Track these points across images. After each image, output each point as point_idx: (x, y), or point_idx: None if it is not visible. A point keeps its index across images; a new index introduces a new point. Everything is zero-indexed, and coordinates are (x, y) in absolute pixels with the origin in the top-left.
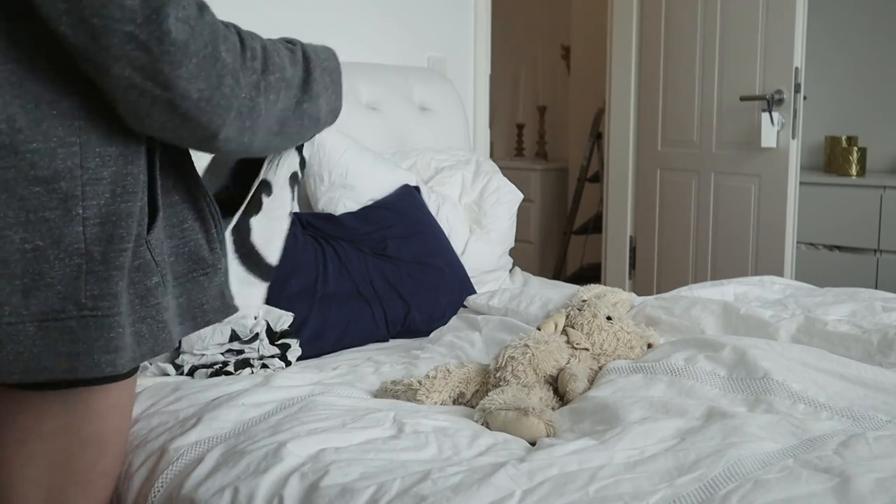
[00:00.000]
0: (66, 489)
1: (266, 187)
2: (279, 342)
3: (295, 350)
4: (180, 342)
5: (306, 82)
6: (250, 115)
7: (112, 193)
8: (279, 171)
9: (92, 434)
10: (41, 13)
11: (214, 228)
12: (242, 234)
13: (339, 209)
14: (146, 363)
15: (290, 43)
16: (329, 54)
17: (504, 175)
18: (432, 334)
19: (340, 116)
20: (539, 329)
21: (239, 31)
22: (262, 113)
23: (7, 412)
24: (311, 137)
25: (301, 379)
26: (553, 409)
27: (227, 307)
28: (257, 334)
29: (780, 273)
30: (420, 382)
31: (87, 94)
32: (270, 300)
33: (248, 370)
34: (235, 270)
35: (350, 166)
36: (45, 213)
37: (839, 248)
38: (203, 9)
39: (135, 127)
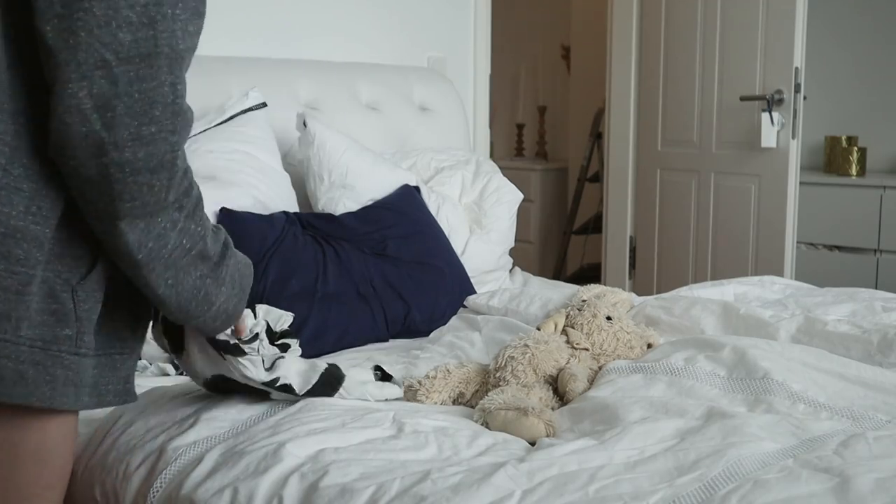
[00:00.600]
0: (11, 502)
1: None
2: (279, 342)
3: (295, 350)
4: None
5: (218, 264)
6: (158, 228)
7: (26, 209)
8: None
9: (32, 448)
10: (34, 5)
11: (144, 311)
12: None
13: (339, 209)
14: (146, 362)
15: (215, 227)
16: (248, 268)
17: (504, 175)
18: (432, 334)
19: (341, 116)
20: (539, 329)
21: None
22: (169, 240)
23: None
24: (195, 316)
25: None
26: (553, 409)
27: (128, 393)
28: (257, 334)
29: (780, 273)
30: (420, 383)
31: (37, 104)
32: (271, 300)
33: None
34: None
35: (350, 166)
36: None
37: (839, 248)
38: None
39: (51, 151)
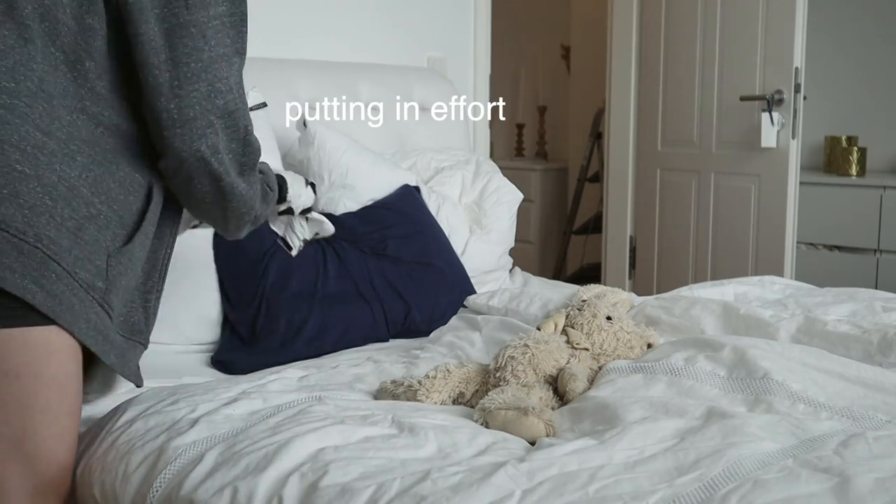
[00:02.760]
0: (36, 428)
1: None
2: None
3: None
4: None
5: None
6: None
7: (79, 175)
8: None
9: (52, 375)
10: (150, 82)
11: (153, 302)
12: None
13: (339, 209)
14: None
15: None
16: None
17: (504, 175)
18: (432, 334)
19: (341, 116)
20: (539, 329)
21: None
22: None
23: None
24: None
25: (297, 384)
26: (553, 408)
27: (139, 377)
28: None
29: (780, 273)
30: (420, 382)
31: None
32: (271, 300)
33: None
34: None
35: (350, 166)
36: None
37: (839, 248)
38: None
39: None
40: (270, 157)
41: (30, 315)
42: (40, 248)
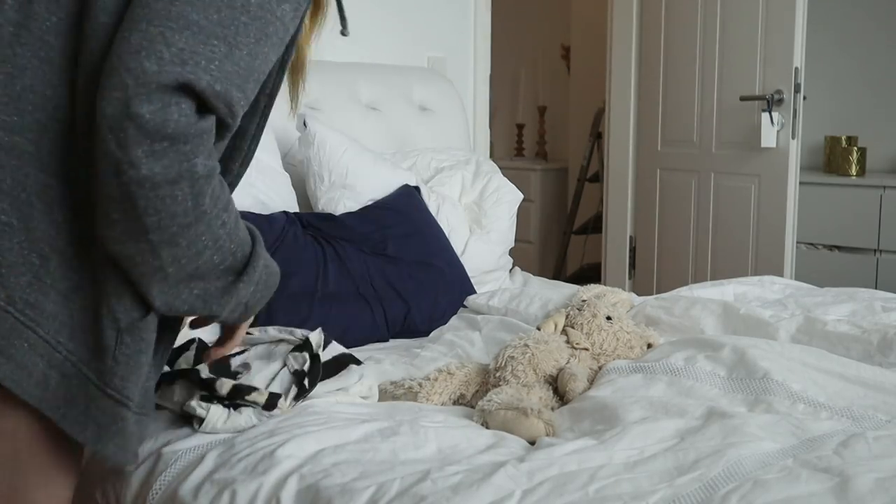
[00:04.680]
0: (27, 488)
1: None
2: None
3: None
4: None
5: (244, 272)
6: (198, 245)
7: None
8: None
9: (38, 461)
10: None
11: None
12: None
13: (339, 209)
14: None
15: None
16: (275, 275)
17: (504, 175)
18: (432, 334)
19: (341, 116)
20: (539, 329)
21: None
22: (203, 256)
23: None
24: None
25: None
26: (553, 408)
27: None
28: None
29: (780, 273)
30: (420, 385)
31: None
32: (271, 300)
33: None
34: None
35: (350, 166)
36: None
37: (839, 248)
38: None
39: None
40: (271, 158)
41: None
42: (11, 311)
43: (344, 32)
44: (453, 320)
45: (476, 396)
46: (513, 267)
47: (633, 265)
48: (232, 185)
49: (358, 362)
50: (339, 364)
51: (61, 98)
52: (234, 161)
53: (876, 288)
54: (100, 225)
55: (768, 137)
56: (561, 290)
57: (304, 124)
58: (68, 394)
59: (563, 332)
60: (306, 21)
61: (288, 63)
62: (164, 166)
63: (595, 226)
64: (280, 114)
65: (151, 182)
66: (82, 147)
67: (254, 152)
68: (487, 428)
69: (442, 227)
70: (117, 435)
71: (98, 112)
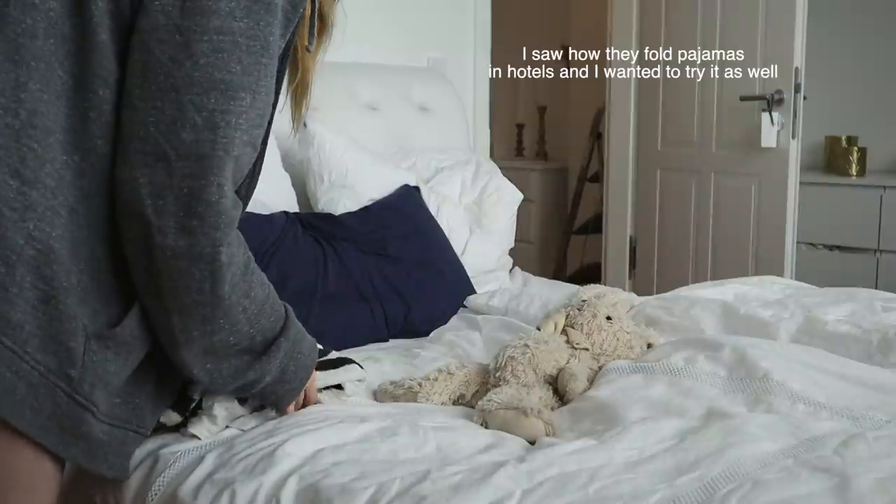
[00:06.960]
0: (7, 496)
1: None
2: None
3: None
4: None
5: (263, 353)
6: (214, 324)
7: (60, 236)
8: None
9: (25, 477)
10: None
11: (169, 393)
12: None
13: (339, 209)
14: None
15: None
16: (311, 351)
17: (504, 175)
18: (432, 334)
19: (341, 116)
20: (539, 329)
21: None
22: (217, 334)
23: None
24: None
25: None
26: (553, 408)
27: (121, 469)
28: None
29: (780, 273)
30: (420, 385)
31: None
32: None
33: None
34: None
35: (350, 166)
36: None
37: (839, 248)
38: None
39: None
40: (271, 158)
41: None
42: None
43: (308, 49)
44: (453, 320)
45: (476, 396)
46: (513, 267)
47: (633, 265)
48: (245, 200)
49: (352, 362)
50: (336, 363)
51: (39, 102)
52: (244, 179)
53: (876, 288)
54: (128, 255)
55: (768, 137)
56: (561, 290)
57: (304, 124)
58: (35, 402)
59: (563, 332)
60: (313, 41)
61: (284, 73)
62: (190, 244)
63: (595, 226)
64: (280, 114)
65: (174, 251)
66: (63, 157)
67: (261, 168)
68: (487, 428)
69: (442, 227)
70: (81, 439)
71: (136, 173)
